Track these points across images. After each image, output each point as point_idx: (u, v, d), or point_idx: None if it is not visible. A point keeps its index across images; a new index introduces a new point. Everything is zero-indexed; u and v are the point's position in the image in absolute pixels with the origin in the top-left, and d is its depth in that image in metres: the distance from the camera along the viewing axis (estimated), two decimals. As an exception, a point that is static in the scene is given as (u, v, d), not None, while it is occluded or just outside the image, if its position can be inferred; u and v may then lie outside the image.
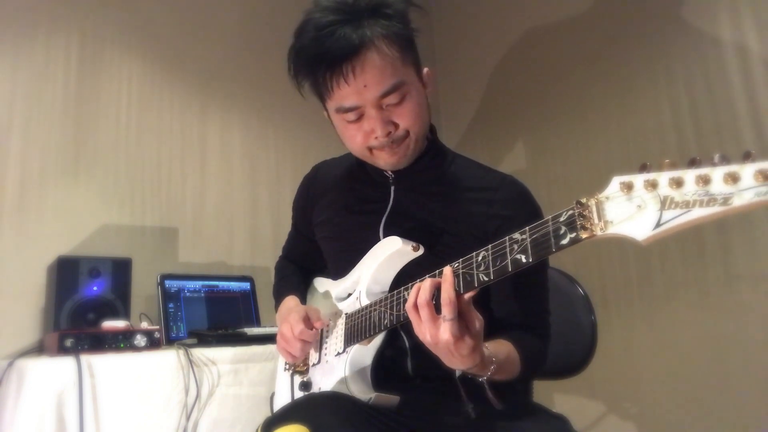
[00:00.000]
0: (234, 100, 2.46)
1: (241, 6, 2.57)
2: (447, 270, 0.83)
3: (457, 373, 0.90)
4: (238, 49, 2.51)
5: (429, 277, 0.87)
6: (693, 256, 2.03)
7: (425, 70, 1.07)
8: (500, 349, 0.92)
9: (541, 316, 1.07)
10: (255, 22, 2.57)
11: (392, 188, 1.13)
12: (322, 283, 1.26)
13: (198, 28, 2.42)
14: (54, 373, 1.43)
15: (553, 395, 2.17)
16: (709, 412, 1.95)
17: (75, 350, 1.51)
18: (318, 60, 0.97)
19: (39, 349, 1.79)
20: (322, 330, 1.13)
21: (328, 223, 1.20)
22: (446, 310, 0.80)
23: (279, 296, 1.30)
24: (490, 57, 2.88)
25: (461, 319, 0.81)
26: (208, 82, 2.40)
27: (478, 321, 0.84)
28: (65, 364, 1.45)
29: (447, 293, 0.81)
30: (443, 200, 1.09)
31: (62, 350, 1.52)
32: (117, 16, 2.20)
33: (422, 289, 0.83)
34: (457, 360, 0.83)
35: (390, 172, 1.11)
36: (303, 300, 1.26)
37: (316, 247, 1.26)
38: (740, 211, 0.57)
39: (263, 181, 2.48)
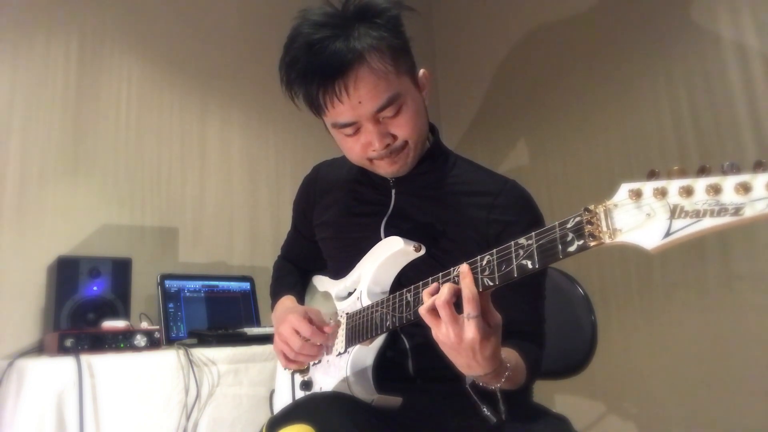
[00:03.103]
0: (234, 100, 2.46)
1: (241, 6, 2.57)
2: (465, 267, 0.81)
3: (467, 381, 0.88)
4: (238, 49, 2.50)
5: (443, 275, 0.85)
6: (693, 256, 2.03)
7: (421, 71, 1.06)
8: (510, 356, 0.90)
9: (538, 324, 1.06)
10: (255, 22, 2.57)
11: (393, 191, 1.13)
12: (321, 282, 1.26)
13: (198, 28, 2.42)
14: (54, 373, 1.43)
15: (553, 395, 2.17)
16: (709, 412, 1.95)
17: (75, 350, 1.51)
18: (310, 78, 0.96)
19: (39, 349, 1.79)
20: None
21: (328, 224, 1.20)
22: (470, 307, 0.77)
23: (275, 295, 1.30)
24: (490, 57, 2.88)
25: (484, 317, 0.79)
26: (208, 82, 2.40)
27: (498, 320, 0.81)
28: (65, 364, 1.45)
29: (469, 289, 0.78)
30: (444, 204, 1.08)
31: (62, 350, 1.52)
32: (117, 16, 2.20)
33: (441, 289, 0.81)
34: (477, 363, 0.81)
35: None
36: (300, 300, 1.26)
37: (316, 247, 1.26)
38: (751, 221, 0.56)
39: (263, 181, 2.48)
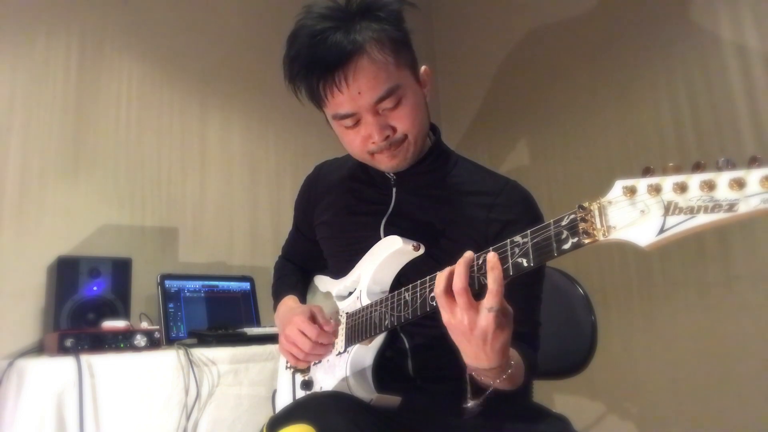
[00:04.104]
0: (234, 100, 2.46)
1: (241, 6, 2.57)
2: (493, 257, 0.77)
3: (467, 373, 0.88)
4: (238, 49, 2.51)
5: (464, 261, 0.81)
6: (693, 257, 2.03)
7: (423, 68, 1.06)
8: (512, 354, 0.89)
9: (534, 327, 1.06)
10: (255, 22, 2.57)
11: (394, 190, 1.13)
12: (322, 281, 1.26)
13: (198, 28, 2.42)
14: (54, 373, 1.43)
15: (553, 395, 2.17)
16: (709, 412, 1.95)
17: (75, 350, 1.51)
18: (311, 69, 0.97)
19: (39, 349, 1.79)
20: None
21: (329, 223, 1.20)
22: (493, 301, 0.75)
23: (277, 295, 1.29)
24: (491, 57, 2.88)
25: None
26: (208, 82, 2.40)
27: (511, 312, 0.80)
28: (65, 364, 1.45)
29: (497, 283, 0.75)
30: (444, 203, 1.08)
31: (62, 350, 1.52)
32: (117, 16, 2.20)
33: (457, 275, 0.78)
34: (485, 354, 0.79)
35: (392, 174, 1.11)
36: (302, 299, 1.26)
37: (317, 247, 1.26)
38: (746, 217, 0.55)
39: (263, 181, 2.48)
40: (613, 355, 2.16)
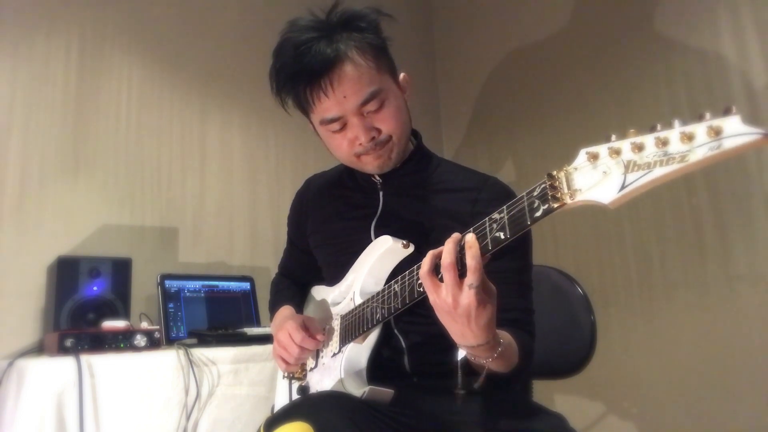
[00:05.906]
0: (234, 100, 2.46)
1: (241, 6, 2.57)
2: (471, 236, 0.81)
3: (459, 356, 0.90)
4: (238, 49, 2.51)
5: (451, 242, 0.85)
6: (693, 257, 2.03)
7: (402, 75, 1.12)
8: (502, 334, 0.92)
9: (527, 313, 1.07)
10: (255, 22, 2.57)
11: (381, 193, 1.16)
12: (318, 291, 1.28)
13: (198, 28, 2.42)
14: (54, 373, 1.43)
15: (553, 395, 2.17)
16: (709, 412, 1.95)
17: (75, 350, 1.51)
18: (297, 77, 1.02)
19: (39, 349, 1.79)
20: None
21: (321, 231, 1.23)
22: (474, 278, 0.78)
23: (274, 308, 1.32)
24: (491, 58, 2.88)
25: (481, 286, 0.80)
26: (208, 82, 2.40)
27: (494, 290, 0.82)
28: (65, 364, 1.45)
29: (476, 260, 0.78)
30: (430, 201, 1.12)
31: (62, 350, 1.52)
32: (117, 16, 2.21)
33: (446, 251, 0.81)
34: (471, 332, 0.81)
35: (378, 178, 1.15)
36: (299, 311, 1.28)
37: (312, 259, 1.28)
38: (697, 166, 0.59)
39: (263, 181, 2.48)
40: (613, 355, 2.16)
